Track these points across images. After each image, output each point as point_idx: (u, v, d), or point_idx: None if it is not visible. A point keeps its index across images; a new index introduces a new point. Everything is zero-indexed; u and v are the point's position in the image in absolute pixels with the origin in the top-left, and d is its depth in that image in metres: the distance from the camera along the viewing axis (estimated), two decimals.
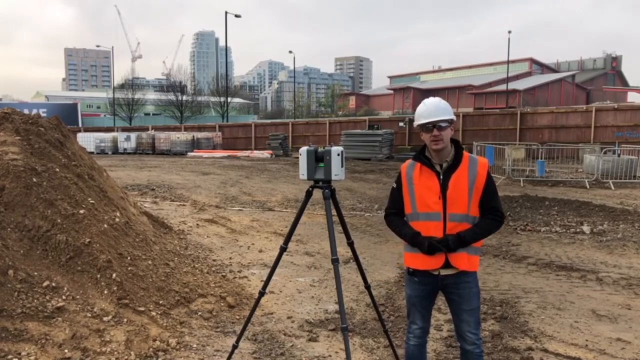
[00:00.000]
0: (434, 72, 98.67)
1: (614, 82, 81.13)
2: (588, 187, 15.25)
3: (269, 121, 50.86)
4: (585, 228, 9.29)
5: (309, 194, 3.56)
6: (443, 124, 3.11)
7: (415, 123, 3.24)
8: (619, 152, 17.44)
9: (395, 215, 3.32)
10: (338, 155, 3.41)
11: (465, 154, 3.19)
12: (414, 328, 3.37)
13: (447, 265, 3.12)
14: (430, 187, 3.14)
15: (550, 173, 17.40)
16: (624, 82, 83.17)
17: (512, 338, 4.73)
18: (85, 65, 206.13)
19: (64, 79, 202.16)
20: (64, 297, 4.52)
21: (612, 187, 15.05)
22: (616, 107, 26.73)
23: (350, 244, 3.74)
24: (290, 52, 72.84)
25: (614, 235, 8.85)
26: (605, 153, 17.15)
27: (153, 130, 39.52)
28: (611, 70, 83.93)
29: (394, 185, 3.34)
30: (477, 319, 3.24)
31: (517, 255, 7.70)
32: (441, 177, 3.14)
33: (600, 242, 8.46)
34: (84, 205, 5.40)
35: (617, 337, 4.75)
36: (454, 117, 3.19)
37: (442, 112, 3.15)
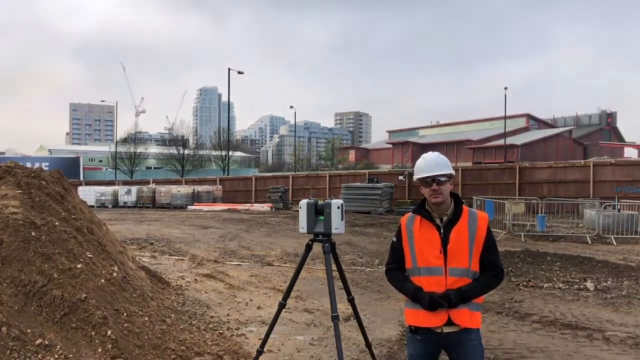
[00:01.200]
0: (432, 127, 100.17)
1: (610, 138, 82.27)
2: (590, 242, 15.15)
3: (269, 174, 51.23)
4: (589, 285, 9.15)
5: (308, 247, 3.54)
6: (442, 178, 3.14)
7: (415, 177, 3.27)
8: (619, 207, 17.45)
9: (396, 270, 3.29)
10: (338, 208, 3.42)
11: (465, 207, 3.20)
12: None
13: (449, 322, 3.06)
14: (431, 241, 3.14)
15: (550, 228, 17.34)
16: (620, 138, 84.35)
17: None
18: (89, 120, 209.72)
19: (67, 133, 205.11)
20: (56, 356, 4.40)
21: (614, 243, 14.95)
22: (614, 162, 26.99)
23: (351, 300, 3.69)
24: (292, 107, 74.36)
25: (619, 292, 8.71)
26: (605, 208, 17.15)
27: (154, 184, 39.71)
28: (607, 126, 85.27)
29: (394, 239, 3.32)
30: None
31: (521, 312, 7.55)
32: (442, 230, 3.13)
33: (605, 299, 8.32)
34: (81, 260, 5.35)
35: None
36: (452, 172, 3.22)
37: (441, 166, 3.19)
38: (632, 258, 12.22)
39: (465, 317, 3.06)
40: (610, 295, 8.48)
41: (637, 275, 9.80)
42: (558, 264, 10.87)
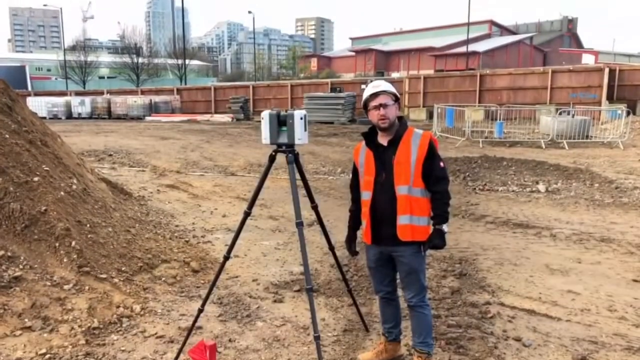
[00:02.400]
0: (395, 33, 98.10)
1: (569, 44, 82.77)
2: (544, 147, 15.72)
3: (229, 84, 49.71)
4: (541, 187, 9.62)
5: (272, 158, 3.53)
6: (389, 102, 3.23)
7: (363, 99, 3.37)
8: (573, 113, 17.96)
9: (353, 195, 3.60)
10: (301, 119, 3.38)
11: (410, 128, 3.32)
12: None
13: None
14: (369, 165, 3.33)
15: (508, 134, 17.82)
16: (579, 44, 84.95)
17: (470, 294, 4.92)
18: (32, 26, 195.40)
19: (9, 40, 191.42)
20: (21, 267, 4.41)
21: (566, 147, 15.57)
22: (571, 68, 27.37)
23: (314, 207, 3.76)
24: (250, 12, 71.14)
25: (567, 193, 9.21)
26: (560, 114, 17.63)
27: (108, 94, 38.15)
28: (567, 32, 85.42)
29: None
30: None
31: (476, 214, 7.92)
32: (381, 153, 3.30)
33: (555, 200, 8.79)
34: (37, 173, 5.21)
35: (568, 289, 5.00)
36: (398, 95, 3.36)
37: (387, 86, 3.32)
38: (581, 161, 12.81)
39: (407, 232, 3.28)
40: (559, 197, 8.96)
41: (585, 177, 10.33)
42: (513, 168, 11.30)
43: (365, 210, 3.36)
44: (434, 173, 3.20)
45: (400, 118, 3.34)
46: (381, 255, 3.40)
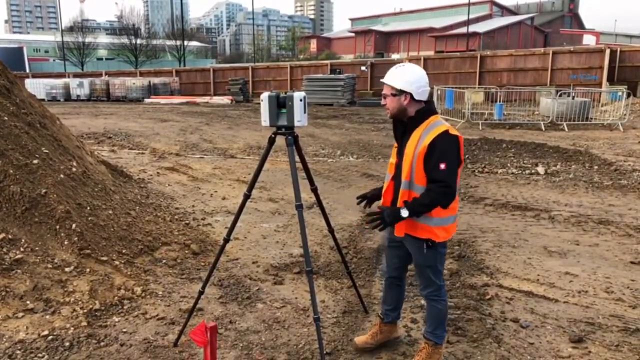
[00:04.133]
0: (395, 14, 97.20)
1: (571, 25, 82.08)
2: (544, 129, 15.69)
3: (228, 65, 49.37)
4: (540, 169, 9.62)
5: (271, 140, 3.52)
6: (388, 92, 3.12)
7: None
8: (573, 94, 17.89)
9: None
10: (300, 100, 3.36)
11: (428, 120, 3.08)
12: None
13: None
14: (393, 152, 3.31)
15: (508, 116, 17.76)
16: (580, 25, 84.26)
17: (469, 276, 4.95)
18: (29, 6, 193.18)
19: (6, 21, 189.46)
20: (22, 249, 4.43)
21: (566, 129, 15.54)
22: (572, 50, 27.17)
23: (314, 189, 3.76)
24: None
25: (566, 175, 9.22)
26: (560, 96, 17.56)
27: (107, 76, 37.87)
28: (568, 13, 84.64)
29: None
30: None
31: (475, 196, 7.94)
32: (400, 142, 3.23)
33: (554, 182, 8.80)
34: (37, 155, 5.20)
35: (565, 271, 5.03)
36: (401, 87, 3.06)
37: (391, 77, 3.12)
38: (581, 143, 12.80)
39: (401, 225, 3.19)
40: (558, 179, 8.98)
41: (584, 160, 10.33)
42: (512, 150, 11.30)
43: (384, 193, 3.34)
44: (430, 174, 2.99)
45: (421, 108, 3.10)
46: (395, 237, 3.30)
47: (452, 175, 3.00)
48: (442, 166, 2.96)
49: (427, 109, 3.12)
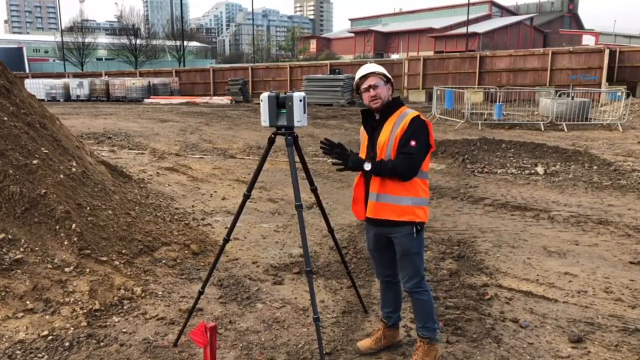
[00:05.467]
0: (395, 14, 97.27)
1: (570, 25, 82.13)
2: (543, 129, 15.70)
3: (227, 66, 49.34)
4: (539, 169, 9.63)
5: (271, 140, 3.52)
6: (379, 83, 3.23)
7: (354, 82, 3.37)
8: (572, 94, 17.90)
9: None
10: (300, 101, 3.36)
11: (402, 108, 3.30)
12: None
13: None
14: (363, 142, 3.40)
15: (507, 116, 17.78)
16: (580, 25, 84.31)
17: (469, 275, 4.96)
18: (29, 6, 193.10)
19: (6, 21, 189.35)
20: (21, 249, 4.43)
21: (565, 129, 15.55)
22: (571, 50, 27.19)
23: (314, 189, 3.77)
24: None
25: (566, 175, 9.22)
26: (559, 96, 17.57)
27: (107, 76, 37.87)
28: (568, 13, 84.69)
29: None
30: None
31: (475, 196, 7.95)
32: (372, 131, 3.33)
33: (553, 182, 8.81)
34: (37, 155, 5.21)
35: (565, 271, 5.04)
36: (389, 76, 3.33)
37: (376, 67, 3.32)
38: (580, 143, 12.81)
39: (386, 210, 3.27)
40: (558, 179, 8.98)
41: (584, 160, 10.34)
42: (512, 150, 11.30)
43: (355, 186, 3.43)
44: (400, 149, 3.13)
45: (395, 99, 3.34)
46: (379, 238, 3.40)
47: (420, 154, 3.17)
48: (413, 143, 3.14)
49: (398, 99, 3.39)
